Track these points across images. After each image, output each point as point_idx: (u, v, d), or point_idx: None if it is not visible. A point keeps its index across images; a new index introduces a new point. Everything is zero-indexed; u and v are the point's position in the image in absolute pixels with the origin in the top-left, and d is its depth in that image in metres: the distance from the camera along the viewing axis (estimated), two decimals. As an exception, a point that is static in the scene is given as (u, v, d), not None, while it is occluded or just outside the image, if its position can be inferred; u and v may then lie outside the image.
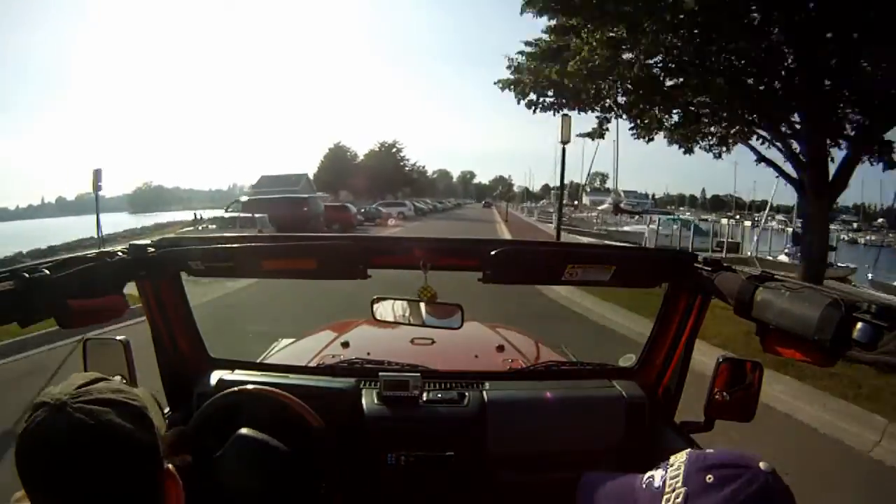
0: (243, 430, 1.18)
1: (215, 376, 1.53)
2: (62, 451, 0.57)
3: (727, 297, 1.15)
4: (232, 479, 1.15)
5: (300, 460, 1.20)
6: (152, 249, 1.32)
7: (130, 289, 1.30)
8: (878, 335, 0.77)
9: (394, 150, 57.94)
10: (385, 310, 1.55)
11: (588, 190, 68.03)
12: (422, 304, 1.45)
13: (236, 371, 1.58)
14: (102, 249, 1.22)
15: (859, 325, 0.79)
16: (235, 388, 1.29)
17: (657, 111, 8.37)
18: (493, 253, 1.29)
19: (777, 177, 8.69)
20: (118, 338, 1.37)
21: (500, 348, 2.16)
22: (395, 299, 1.53)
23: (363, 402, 1.50)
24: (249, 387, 1.30)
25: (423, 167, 77.36)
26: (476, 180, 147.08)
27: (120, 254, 1.24)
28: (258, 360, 2.08)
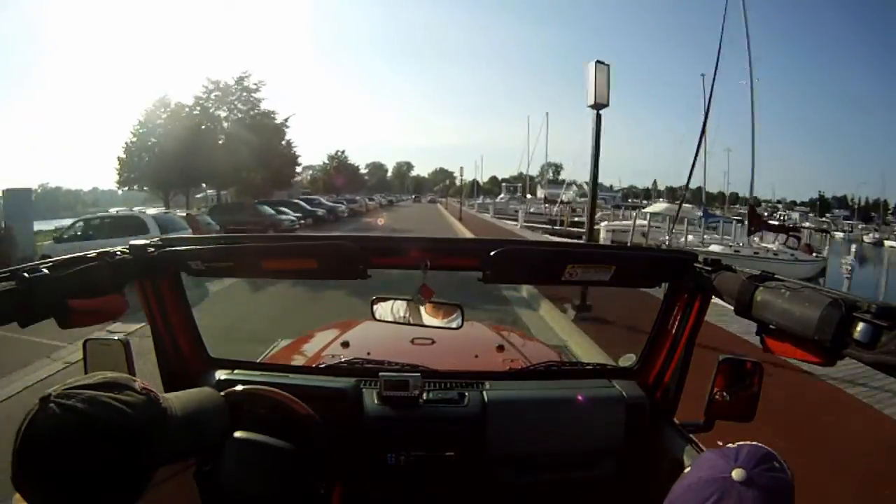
0: (238, 434, 1.18)
1: (215, 376, 1.53)
2: (41, 442, 0.59)
3: (727, 296, 1.15)
4: (236, 484, 1.15)
5: (300, 455, 1.20)
6: (152, 249, 1.32)
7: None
8: (878, 335, 0.77)
9: (239, 92, 24.24)
10: (385, 310, 1.55)
11: (541, 182, 59.03)
12: (421, 305, 1.45)
13: (236, 371, 1.58)
14: (103, 249, 1.22)
15: (859, 324, 0.79)
16: (230, 389, 1.29)
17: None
18: (493, 253, 1.29)
19: None
20: (118, 338, 1.37)
21: (500, 348, 2.16)
22: (395, 299, 1.53)
23: (363, 402, 1.50)
24: (239, 387, 1.30)
25: (342, 153, 57.00)
26: (414, 172, 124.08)
27: (120, 253, 1.24)
28: (258, 360, 2.08)
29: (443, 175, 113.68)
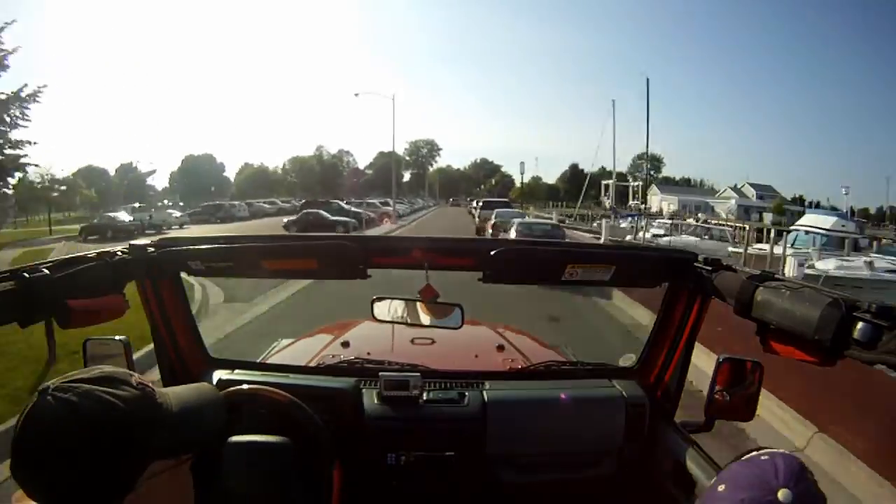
0: (237, 437, 1.17)
1: (215, 376, 1.53)
2: (36, 433, 0.61)
3: (727, 296, 1.15)
4: (237, 485, 1.15)
5: (299, 454, 1.20)
6: (152, 249, 1.32)
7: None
8: (878, 335, 0.77)
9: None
10: (385, 310, 1.55)
11: (632, 178, 38.94)
12: (421, 304, 1.45)
13: (236, 371, 1.58)
14: (103, 249, 1.22)
15: (859, 324, 0.79)
16: (230, 389, 1.29)
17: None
18: (492, 253, 1.29)
19: None
20: (118, 338, 1.37)
21: (500, 348, 2.16)
22: (395, 299, 1.53)
23: (363, 402, 1.50)
24: (239, 387, 1.30)
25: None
26: (440, 163, 77.99)
27: (120, 253, 1.24)
28: (258, 360, 2.08)
29: (487, 169, 74.38)
